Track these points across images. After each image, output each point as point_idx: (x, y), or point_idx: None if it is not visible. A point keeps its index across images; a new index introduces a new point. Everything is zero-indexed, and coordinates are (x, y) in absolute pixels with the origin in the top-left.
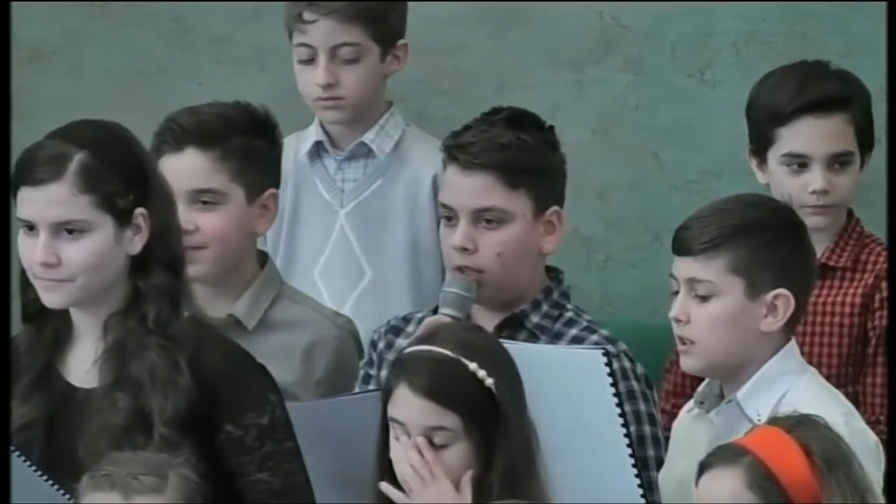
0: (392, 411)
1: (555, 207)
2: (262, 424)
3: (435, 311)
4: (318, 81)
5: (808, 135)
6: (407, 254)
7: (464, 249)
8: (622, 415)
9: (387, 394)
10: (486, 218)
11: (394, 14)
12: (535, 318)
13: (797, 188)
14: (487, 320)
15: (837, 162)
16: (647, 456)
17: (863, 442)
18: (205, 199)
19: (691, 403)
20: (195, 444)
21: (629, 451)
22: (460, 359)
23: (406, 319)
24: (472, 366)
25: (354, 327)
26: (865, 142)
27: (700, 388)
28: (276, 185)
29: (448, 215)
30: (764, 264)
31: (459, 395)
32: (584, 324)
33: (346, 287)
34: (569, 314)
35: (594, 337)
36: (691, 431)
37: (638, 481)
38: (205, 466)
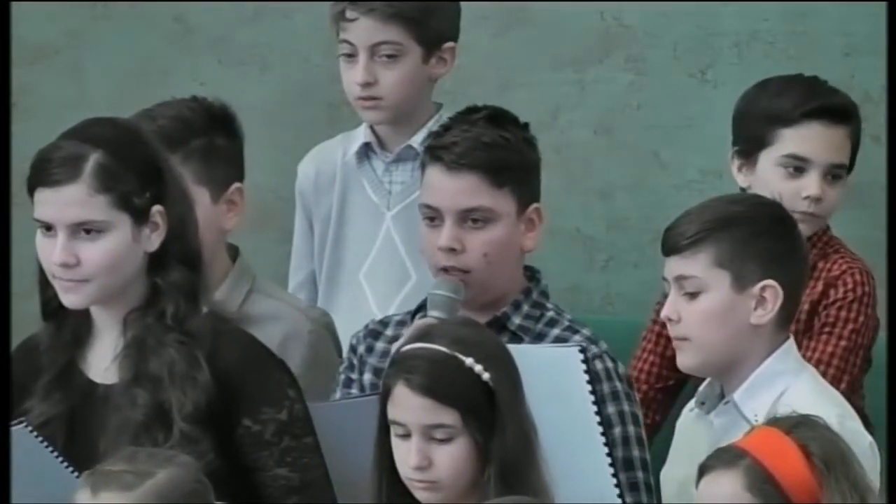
0: (391, 412)
1: (535, 205)
2: (281, 419)
3: (415, 313)
4: (356, 79)
5: (813, 139)
6: None
7: (451, 250)
8: (598, 412)
9: (385, 394)
10: (473, 218)
11: (438, 15)
12: (517, 320)
13: (790, 192)
14: None
15: (832, 173)
16: (633, 456)
17: (857, 443)
18: None
19: (692, 403)
20: (214, 439)
21: (605, 448)
22: (456, 355)
23: (384, 323)
24: (469, 361)
25: (330, 320)
26: (852, 162)
27: (701, 388)
28: (241, 178)
29: (432, 216)
30: (749, 256)
31: (457, 391)
32: (566, 323)
33: (391, 290)
34: (550, 314)
35: (577, 337)
36: (692, 432)
37: (615, 480)
38: (224, 461)
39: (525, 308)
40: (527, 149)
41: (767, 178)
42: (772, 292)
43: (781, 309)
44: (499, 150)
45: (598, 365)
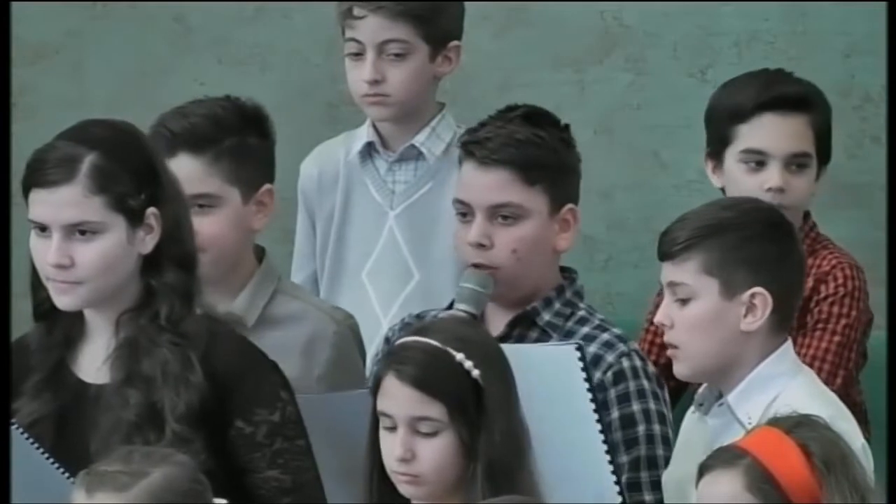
0: (380, 403)
1: (570, 205)
2: (273, 421)
3: (449, 308)
4: (364, 77)
5: (768, 132)
6: (455, 258)
7: (479, 246)
8: (597, 410)
9: (376, 384)
10: (503, 214)
11: (445, 14)
12: (546, 316)
13: (754, 186)
14: (500, 317)
15: (795, 163)
16: (657, 455)
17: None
18: (200, 202)
19: (693, 406)
20: (207, 440)
21: (605, 446)
22: (447, 349)
23: (420, 317)
24: (459, 356)
25: (355, 322)
26: (823, 151)
27: (700, 391)
28: (271, 179)
29: (464, 211)
30: (738, 263)
31: (446, 385)
32: (597, 322)
33: (394, 289)
34: (581, 312)
35: (605, 335)
36: (691, 434)
37: (614, 478)
38: (216, 462)
39: (556, 305)
40: (563, 149)
41: (733, 175)
42: (761, 299)
43: (774, 314)
44: (531, 147)
45: (626, 363)
